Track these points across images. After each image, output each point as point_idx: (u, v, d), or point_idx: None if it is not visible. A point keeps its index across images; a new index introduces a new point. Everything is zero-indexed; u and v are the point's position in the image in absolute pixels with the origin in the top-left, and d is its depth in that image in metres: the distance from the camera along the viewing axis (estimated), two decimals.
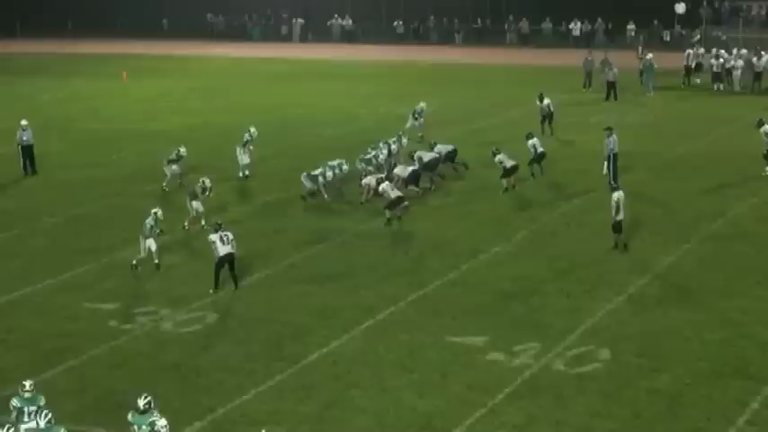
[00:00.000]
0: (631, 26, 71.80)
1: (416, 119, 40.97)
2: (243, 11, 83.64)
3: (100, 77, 62.48)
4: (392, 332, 22.52)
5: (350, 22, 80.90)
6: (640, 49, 57.75)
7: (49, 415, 16.14)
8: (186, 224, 29.98)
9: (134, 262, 26.74)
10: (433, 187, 33.86)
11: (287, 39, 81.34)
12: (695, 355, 20.98)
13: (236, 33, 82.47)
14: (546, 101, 41.65)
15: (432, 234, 29.47)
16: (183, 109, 50.84)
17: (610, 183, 33.16)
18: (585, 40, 71.47)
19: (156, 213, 26.96)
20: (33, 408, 16.67)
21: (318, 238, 29.19)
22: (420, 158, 34.06)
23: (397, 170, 33.25)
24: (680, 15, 68.97)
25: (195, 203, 29.95)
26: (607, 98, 50.47)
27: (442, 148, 35.28)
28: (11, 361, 21.24)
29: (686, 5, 68.71)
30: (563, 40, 74.31)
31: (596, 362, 20.78)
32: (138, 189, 34.63)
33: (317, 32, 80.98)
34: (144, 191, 34.29)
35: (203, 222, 29.77)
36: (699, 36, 64.43)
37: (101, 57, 72.15)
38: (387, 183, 30.87)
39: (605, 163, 33.99)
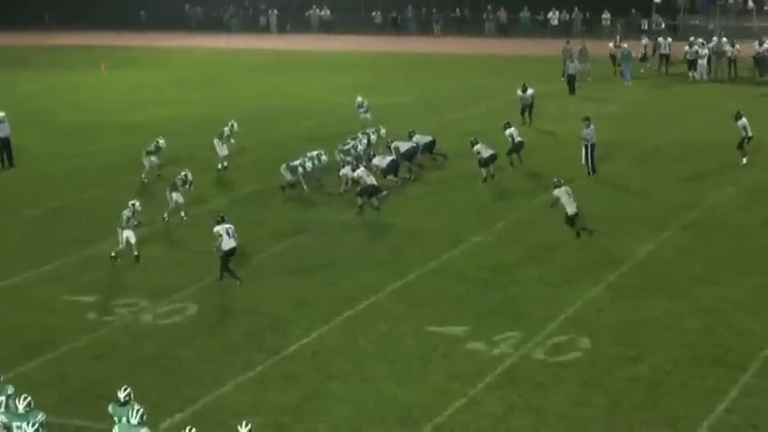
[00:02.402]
0: (607, 15, 71.89)
1: (364, 113, 40.03)
2: (220, 2, 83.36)
3: (79, 69, 62.19)
4: (372, 322, 22.51)
5: (328, 12, 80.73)
6: (618, 38, 57.78)
7: (29, 398, 16.08)
8: (166, 215, 29.89)
9: (113, 254, 26.66)
10: (412, 177, 33.86)
11: (265, 30, 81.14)
12: (674, 344, 21.03)
13: (214, 24, 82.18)
14: (529, 91, 41.48)
15: (411, 224, 29.45)
16: (161, 100, 50.67)
17: (588, 173, 33.32)
18: (564, 30, 71.50)
19: (133, 205, 26.90)
20: (1, 398, 16.56)
21: (298, 229, 29.14)
22: (397, 148, 34.05)
23: (376, 161, 33.26)
24: (657, 4, 69.06)
25: (175, 195, 29.85)
26: (572, 92, 49.30)
27: (420, 138, 35.28)
28: None
29: None
30: (541, 29, 74.34)
31: (576, 351, 20.82)
32: (118, 181, 34.49)
33: (295, 23, 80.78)
34: (123, 183, 34.15)
35: (183, 214, 29.68)
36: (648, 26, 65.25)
37: (79, 48, 71.82)
38: (362, 169, 30.89)
39: (582, 153, 33.94)
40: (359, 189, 30.53)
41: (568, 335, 21.54)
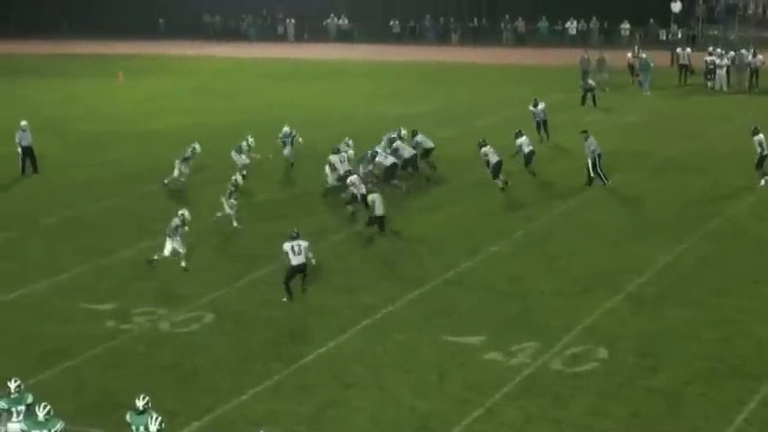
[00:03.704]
0: (626, 25, 71.80)
1: (285, 145, 37.22)
2: (239, 11, 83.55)
3: (96, 78, 62.35)
4: (389, 332, 22.51)
5: (346, 21, 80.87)
6: (636, 48, 57.74)
7: (48, 407, 16.15)
8: (218, 215, 30.05)
9: (155, 257, 26.65)
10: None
11: (283, 39, 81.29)
12: (693, 354, 20.98)
13: (232, 33, 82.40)
14: (540, 105, 40.78)
15: (429, 233, 29.44)
16: (179, 109, 50.76)
17: (604, 182, 33.23)
18: (582, 40, 71.46)
19: (183, 215, 26.73)
20: (21, 407, 16.65)
21: (316, 237, 29.15)
22: (396, 149, 34.20)
23: (379, 158, 33.31)
24: (675, 14, 68.98)
25: (231, 201, 29.96)
26: (583, 103, 48.64)
27: (423, 140, 35.14)
28: (7, 362, 21.12)
29: (682, 4, 68.75)
30: (559, 39, 74.32)
31: (594, 361, 20.78)
32: (135, 190, 34.58)
33: (313, 32, 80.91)
34: (140, 192, 34.25)
35: (183, 264, 27.56)
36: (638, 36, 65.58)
37: (97, 57, 72.02)
38: (355, 176, 30.85)
39: (589, 166, 33.66)
40: (348, 198, 30.68)
41: (586, 345, 21.50)
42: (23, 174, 37.26)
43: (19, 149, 37.31)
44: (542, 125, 40.87)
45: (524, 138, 35.29)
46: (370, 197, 29.42)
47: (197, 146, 34.79)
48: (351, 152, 34.47)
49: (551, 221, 30.31)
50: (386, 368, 20.77)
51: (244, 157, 35.40)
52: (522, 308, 23.73)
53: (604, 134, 40.76)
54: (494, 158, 33.35)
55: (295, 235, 24.70)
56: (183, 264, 26.62)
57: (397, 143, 34.51)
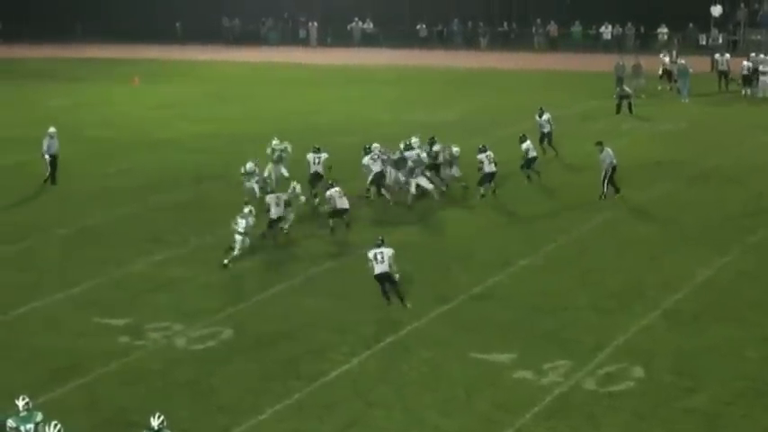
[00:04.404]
0: (664, 29, 71.55)
1: (276, 162, 35.76)
2: (259, 14, 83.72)
3: (110, 83, 62.68)
4: (415, 349, 22.48)
5: (371, 25, 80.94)
6: (674, 53, 57.60)
7: (59, 426, 16.21)
8: (286, 227, 30.12)
9: (226, 261, 27.63)
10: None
11: (305, 43, 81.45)
12: (734, 373, 20.88)
13: (252, 37, 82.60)
14: (545, 116, 39.69)
15: (456, 246, 29.44)
16: (196, 116, 50.90)
17: (601, 196, 32.96)
18: (616, 45, 71.33)
19: (250, 211, 28.23)
20: (30, 426, 16.72)
21: (338, 250, 29.16)
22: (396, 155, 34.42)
23: (365, 160, 33.73)
24: (716, 18, 68.79)
25: (288, 209, 30.16)
26: (618, 111, 48.23)
27: (441, 149, 34.97)
28: (18, 378, 21.21)
29: (723, 8, 68.55)
30: (593, 44, 74.20)
31: (629, 380, 20.70)
32: (150, 200, 34.65)
33: (336, 36, 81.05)
34: (155, 201, 34.32)
35: (286, 228, 29.96)
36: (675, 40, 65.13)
37: (111, 61, 72.37)
38: (336, 189, 30.74)
39: (602, 177, 33.43)
40: (330, 210, 30.69)
41: (621, 363, 21.41)
42: (54, 183, 36.99)
43: (47, 157, 36.89)
44: (547, 137, 39.56)
45: (529, 142, 35.58)
46: (328, 193, 30.33)
47: (287, 145, 35.07)
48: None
49: (585, 234, 30.25)
50: (411, 387, 20.74)
51: (281, 167, 35.02)
52: (553, 324, 23.66)
53: (640, 143, 40.83)
54: (488, 167, 33.46)
55: (380, 242, 24.83)
56: (226, 261, 27.73)
57: (414, 151, 34.41)
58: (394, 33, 79.39)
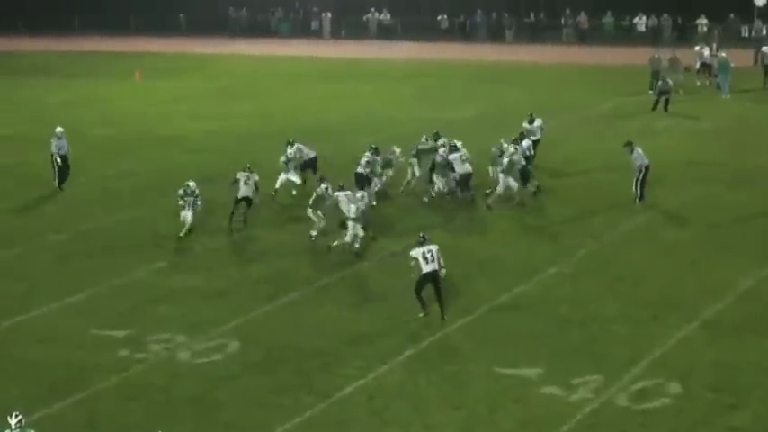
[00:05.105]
0: (703, 20, 71.42)
1: (288, 166, 35.43)
2: (268, 4, 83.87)
3: (111, 78, 62.93)
4: (436, 362, 22.49)
5: (388, 16, 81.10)
6: (714, 46, 57.52)
7: None
8: (314, 233, 30.27)
9: (334, 243, 28.73)
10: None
11: (317, 35, 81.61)
12: None
13: (261, 29, 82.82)
14: (537, 122, 38.67)
15: (480, 252, 29.43)
16: (201, 113, 51.07)
17: (635, 200, 32.93)
18: (652, 37, 71.26)
19: (326, 188, 30.09)
20: None
21: (353, 257, 29.18)
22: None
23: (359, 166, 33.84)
24: (759, 8, 68.68)
25: (318, 213, 30.36)
26: (654, 107, 48.22)
27: (455, 158, 34.86)
28: (12, 392, 21.29)
29: None
30: (626, 36, 74.15)
31: (665, 397, 20.67)
32: (152, 203, 34.73)
33: (351, 28, 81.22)
34: (158, 205, 34.35)
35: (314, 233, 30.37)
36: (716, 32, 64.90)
37: (112, 55, 72.71)
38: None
39: (634, 180, 33.38)
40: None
41: (656, 379, 21.38)
42: (61, 187, 36.95)
43: (58, 159, 36.80)
44: (535, 145, 37.84)
45: (529, 143, 35.70)
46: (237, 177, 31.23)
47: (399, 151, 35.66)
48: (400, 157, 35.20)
49: (617, 239, 30.22)
50: (431, 403, 20.74)
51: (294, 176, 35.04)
52: (584, 336, 23.65)
53: (677, 142, 40.78)
54: (462, 169, 33.50)
55: (422, 240, 24.83)
56: (357, 244, 28.88)
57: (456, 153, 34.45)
58: (413, 25, 79.57)
